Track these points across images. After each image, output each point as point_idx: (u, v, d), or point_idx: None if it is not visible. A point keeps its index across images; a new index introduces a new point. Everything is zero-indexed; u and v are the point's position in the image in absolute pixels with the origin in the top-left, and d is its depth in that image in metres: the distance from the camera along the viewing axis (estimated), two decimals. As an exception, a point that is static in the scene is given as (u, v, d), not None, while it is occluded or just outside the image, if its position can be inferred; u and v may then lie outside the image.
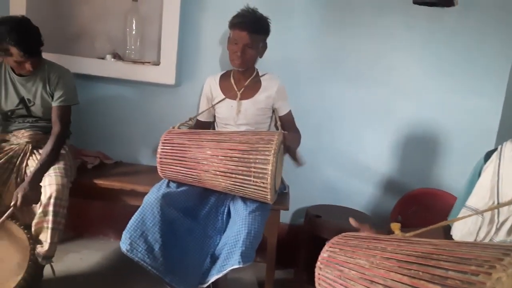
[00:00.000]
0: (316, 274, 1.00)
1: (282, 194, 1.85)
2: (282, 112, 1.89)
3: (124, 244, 1.48)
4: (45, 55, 1.85)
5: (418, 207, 2.06)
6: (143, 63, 2.14)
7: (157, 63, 2.13)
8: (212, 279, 1.52)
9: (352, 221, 1.15)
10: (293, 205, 1.95)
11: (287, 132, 1.68)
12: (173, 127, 1.72)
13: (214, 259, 1.57)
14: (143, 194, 1.63)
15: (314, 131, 2.13)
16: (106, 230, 2.34)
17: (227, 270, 1.47)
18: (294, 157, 1.82)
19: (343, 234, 1.01)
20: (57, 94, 1.81)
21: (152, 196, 1.56)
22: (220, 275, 1.49)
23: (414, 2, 1.87)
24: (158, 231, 1.50)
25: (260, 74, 1.87)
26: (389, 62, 2.09)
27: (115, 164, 2.18)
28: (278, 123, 1.81)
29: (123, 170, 2.10)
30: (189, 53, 2.16)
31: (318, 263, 1.00)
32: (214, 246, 1.61)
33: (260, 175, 1.47)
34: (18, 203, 1.56)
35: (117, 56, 2.21)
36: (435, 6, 1.91)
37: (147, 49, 2.25)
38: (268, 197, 1.50)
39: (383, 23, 2.05)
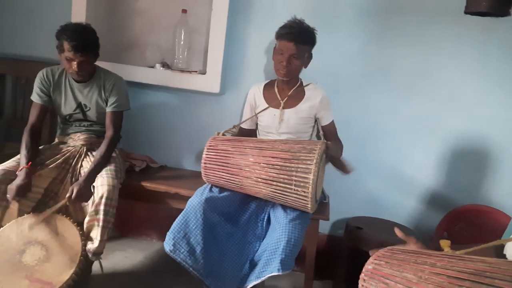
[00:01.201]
0: (359, 285, 1.00)
1: (322, 204, 1.85)
2: (325, 122, 1.89)
3: (167, 245, 1.53)
4: (100, 63, 1.98)
5: (465, 224, 1.98)
6: (190, 72, 2.22)
7: (203, 72, 2.21)
8: (250, 284, 1.53)
9: (398, 232, 1.12)
10: (332, 215, 1.93)
11: (330, 142, 1.68)
12: (218, 134, 1.77)
13: (253, 265, 1.59)
14: (187, 198, 1.69)
15: (357, 142, 2.11)
16: (149, 231, 2.43)
17: (265, 276, 1.48)
18: (339, 165, 1.81)
19: (389, 247, 0.99)
20: (111, 100, 1.92)
21: (196, 200, 1.61)
22: (259, 281, 1.51)
23: (466, 12, 1.82)
24: (200, 234, 1.54)
25: (304, 84, 1.89)
26: (437, 74, 2.03)
27: (160, 168, 2.27)
28: (321, 132, 1.81)
29: (168, 174, 2.18)
30: (234, 63, 2.22)
31: (362, 275, 0.99)
32: (253, 252, 1.63)
33: (302, 184, 1.48)
34: (73, 196, 1.66)
35: (165, 65, 2.32)
36: (489, 16, 1.85)
37: (194, 58, 2.35)
38: (309, 206, 1.51)
39: (432, 33, 2.00)
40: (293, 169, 1.49)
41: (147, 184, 1.95)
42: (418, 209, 2.12)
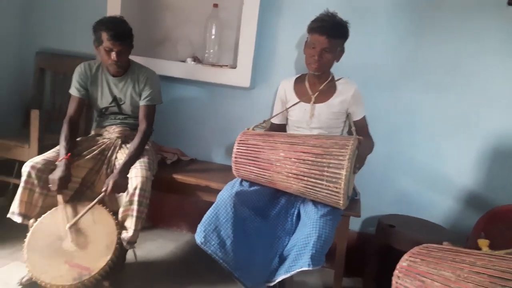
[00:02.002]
0: (393, 282, 0.99)
1: (353, 201, 1.82)
2: (356, 117, 1.86)
3: (198, 237, 1.56)
4: (134, 58, 2.03)
5: (504, 225, 1.89)
6: (220, 66, 2.24)
7: (233, 66, 2.22)
8: (279, 278, 1.54)
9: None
10: (363, 213, 1.90)
11: (362, 138, 1.65)
12: (248, 129, 1.77)
13: (282, 259, 1.59)
14: (217, 191, 1.71)
15: (389, 139, 2.06)
16: (179, 222, 2.48)
17: (295, 271, 1.48)
18: (360, 162, 1.73)
19: (425, 245, 0.97)
20: (144, 94, 1.96)
21: (226, 193, 1.62)
22: (288, 275, 1.51)
23: (510, 4, 1.73)
24: (231, 227, 1.55)
25: (335, 78, 1.86)
26: (475, 68, 1.95)
27: (190, 161, 2.31)
28: (353, 128, 1.78)
29: (198, 167, 2.22)
30: (264, 57, 2.21)
31: (396, 272, 0.98)
32: (282, 246, 1.64)
33: (333, 179, 1.46)
34: (109, 189, 1.72)
35: (196, 59, 2.35)
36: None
37: (224, 52, 2.36)
38: (341, 202, 1.49)
39: (471, 27, 1.92)
40: (325, 164, 1.48)
41: (178, 177, 1.98)
42: (454, 208, 2.05)
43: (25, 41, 2.53)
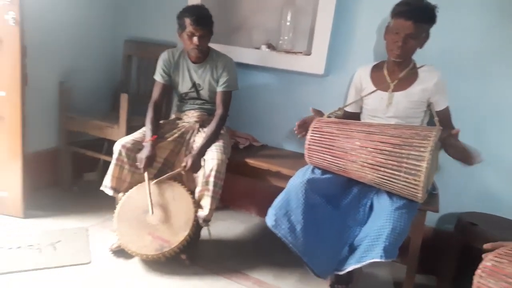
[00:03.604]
0: (475, 282, 0.95)
1: (431, 195, 1.73)
2: (439, 107, 1.75)
3: (269, 220, 1.59)
4: (211, 45, 2.10)
5: None
6: (295, 53, 2.23)
7: (308, 53, 2.20)
8: (349, 268, 1.53)
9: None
10: (441, 208, 1.80)
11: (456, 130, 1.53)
12: (322, 116, 1.77)
13: (353, 249, 1.58)
14: (287, 177, 1.74)
15: (474, 131, 1.91)
16: (249, 205, 2.57)
17: (366, 262, 1.47)
18: (461, 155, 1.60)
19: (513, 245, 0.92)
20: (222, 80, 2.04)
21: (298, 180, 1.64)
22: (359, 265, 1.50)
23: None
24: (301, 213, 1.57)
25: (417, 65, 1.76)
26: None
27: (261, 146, 2.37)
28: (436, 118, 1.69)
29: (269, 153, 2.26)
30: (340, 43, 2.16)
31: (478, 271, 0.95)
32: (353, 236, 1.62)
33: (413, 171, 1.41)
34: (188, 166, 1.84)
35: (271, 46, 2.37)
36: None
37: (298, 39, 2.35)
38: (419, 195, 1.43)
39: None
40: (403, 155, 1.42)
41: (250, 161, 2.05)
42: (547, 210, 1.86)
43: (115, 31, 2.75)
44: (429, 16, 1.64)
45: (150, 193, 1.81)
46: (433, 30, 1.69)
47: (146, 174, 1.86)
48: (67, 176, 2.52)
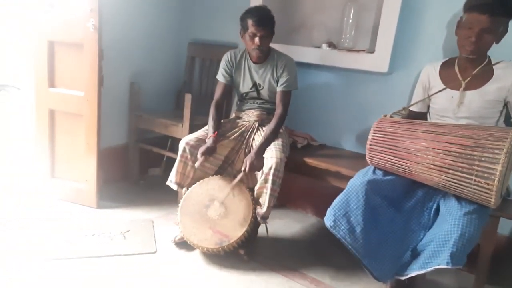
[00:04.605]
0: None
1: (505, 201, 1.60)
2: (518, 107, 1.62)
3: (328, 220, 1.58)
4: (273, 45, 2.13)
5: None
6: (357, 51, 2.18)
7: (371, 51, 2.14)
8: (412, 273, 1.48)
9: None
10: (517, 216, 1.66)
11: None
12: (385, 115, 1.71)
13: (416, 254, 1.52)
14: (347, 177, 1.71)
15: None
16: (306, 204, 2.56)
17: (431, 268, 1.40)
18: None
19: None
20: (282, 80, 2.06)
21: (358, 181, 1.61)
22: (422, 271, 1.44)
23: None
24: (361, 214, 1.54)
25: (492, 62, 1.64)
26: None
27: (319, 146, 2.35)
28: (514, 118, 1.56)
29: (328, 152, 2.24)
30: (406, 40, 2.07)
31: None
32: (416, 241, 1.56)
33: (486, 175, 1.32)
34: (247, 168, 1.89)
35: (331, 45, 2.34)
36: None
37: (360, 37, 2.30)
38: (492, 200, 1.34)
39: None
40: (475, 157, 1.34)
41: (309, 160, 2.04)
42: None
43: (180, 34, 2.89)
44: (508, 8, 1.52)
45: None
46: (512, 23, 1.57)
47: (201, 159, 1.90)
48: (135, 170, 2.70)
